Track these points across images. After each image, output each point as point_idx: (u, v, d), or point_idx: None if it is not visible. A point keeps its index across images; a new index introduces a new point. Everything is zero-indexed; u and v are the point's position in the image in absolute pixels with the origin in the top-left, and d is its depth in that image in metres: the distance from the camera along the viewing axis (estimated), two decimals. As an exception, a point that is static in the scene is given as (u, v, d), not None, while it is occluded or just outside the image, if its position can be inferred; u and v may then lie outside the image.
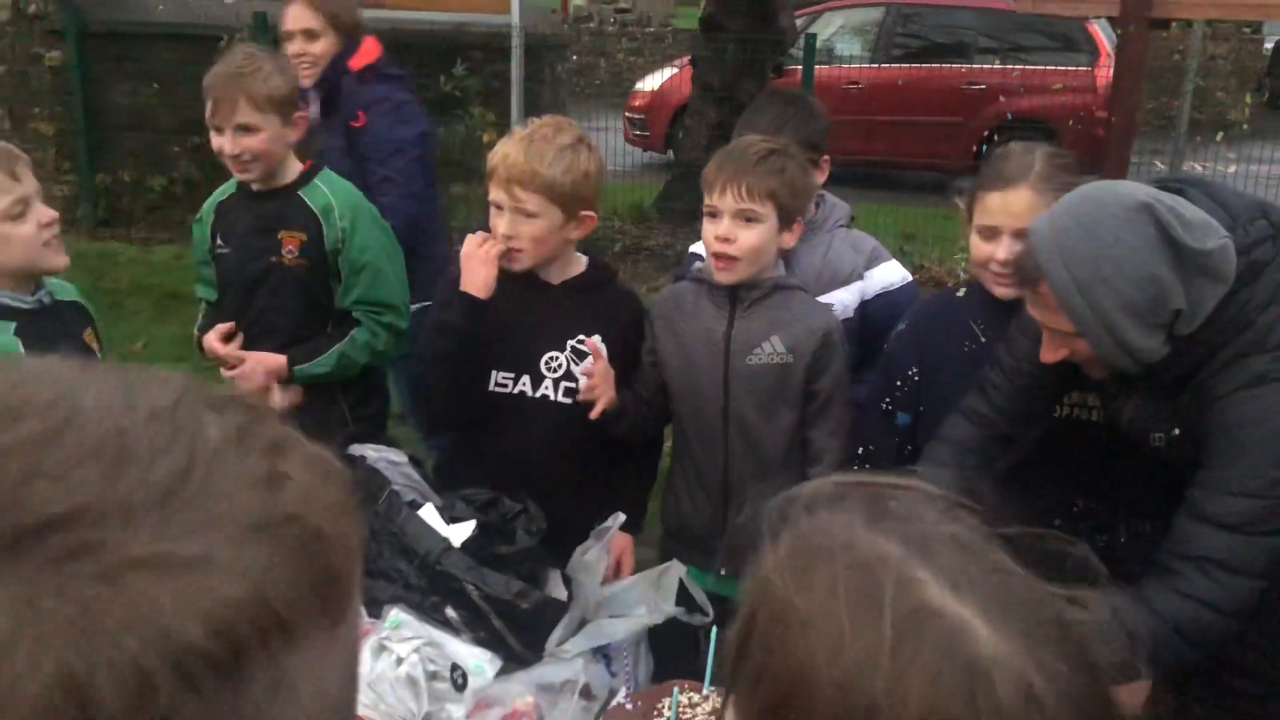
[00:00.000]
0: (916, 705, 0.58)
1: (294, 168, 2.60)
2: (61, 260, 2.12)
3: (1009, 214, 1.98)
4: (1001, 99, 9.15)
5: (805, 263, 2.46)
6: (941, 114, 9.31)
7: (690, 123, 7.83)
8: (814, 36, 7.84)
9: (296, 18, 3.18)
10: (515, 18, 6.60)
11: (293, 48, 3.17)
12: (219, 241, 2.63)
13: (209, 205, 2.68)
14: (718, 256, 2.16)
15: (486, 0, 6.69)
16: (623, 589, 2.01)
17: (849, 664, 0.59)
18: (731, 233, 2.12)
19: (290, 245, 2.54)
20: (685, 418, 2.30)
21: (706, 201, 2.17)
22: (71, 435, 0.40)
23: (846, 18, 10.67)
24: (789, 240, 2.18)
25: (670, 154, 9.99)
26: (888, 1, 10.40)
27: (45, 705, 0.36)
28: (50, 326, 2.11)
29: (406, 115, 3.24)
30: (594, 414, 2.16)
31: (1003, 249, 2.00)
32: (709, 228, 2.17)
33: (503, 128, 6.93)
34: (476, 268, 2.17)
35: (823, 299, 2.38)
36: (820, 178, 2.50)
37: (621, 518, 2.11)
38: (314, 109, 3.15)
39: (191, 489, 0.41)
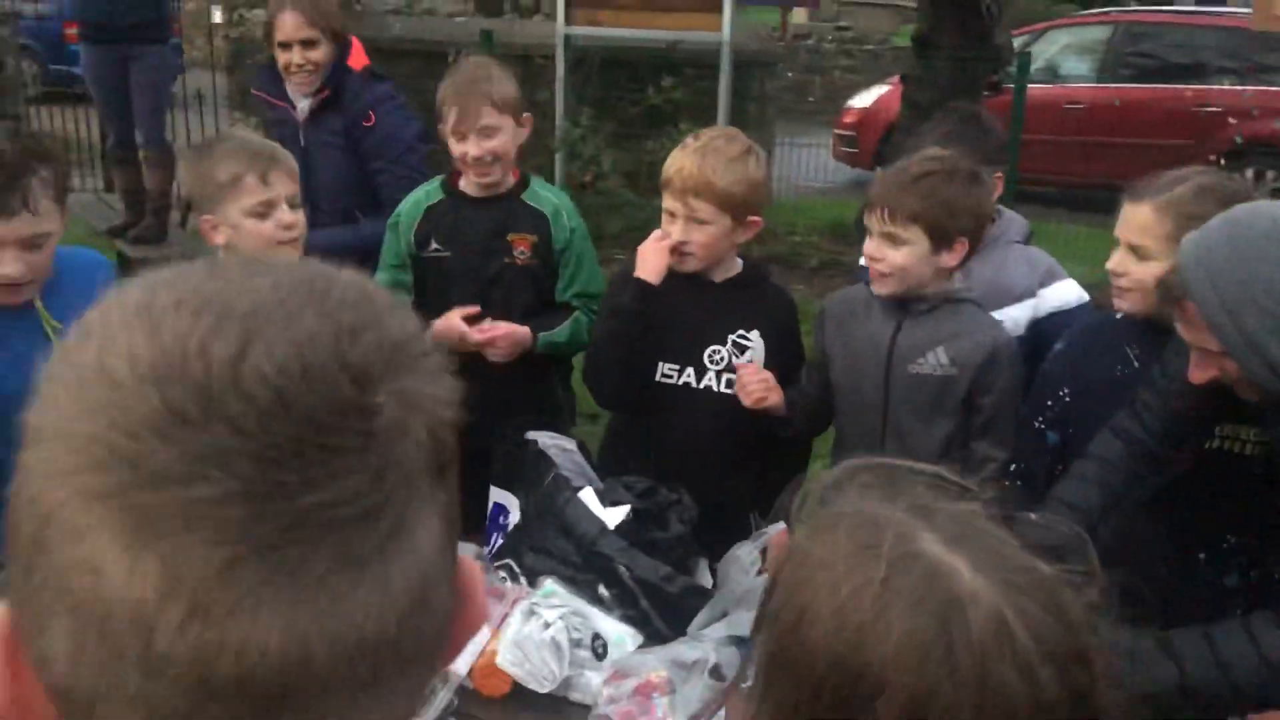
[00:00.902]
0: (898, 629, 0.65)
1: (509, 176, 2.75)
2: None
3: (1127, 226, 2.00)
4: (1233, 121, 8.61)
5: (976, 276, 2.46)
6: (1170, 137, 8.84)
7: (898, 140, 7.75)
8: (1028, 55, 7.64)
9: (295, 28, 3.22)
10: (725, 35, 6.74)
11: (292, 57, 3.22)
12: (434, 245, 2.74)
13: (412, 208, 2.79)
14: (872, 270, 2.23)
15: (701, 19, 6.85)
16: (764, 583, 2.08)
17: (844, 595, 0.68)
18: (879, 252, 2.18)
19: (522, 246, 2.70)
20: (846, 419, 2.37)
21: (864, 218, 2.23)
22: None
23: (1073, 36, 10.28)
24: (950, 260, 2.19)
25: (877, 171, 9.90)
26: (1116, 19, 9.96)
27: None
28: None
29: (408, 113, 3.42)
30: (750, 403, 2.29)
31: (1113, 259, 2.01)
32: (865, 242, 2.24)
33: (708, 142, 7.09)
34: (650, 257, 2.35)
35: (994, 314, 2.39)
36: (993, 195, 2.50)
37: (782, 526, 2.20)
38: (302, 108, 3.29)
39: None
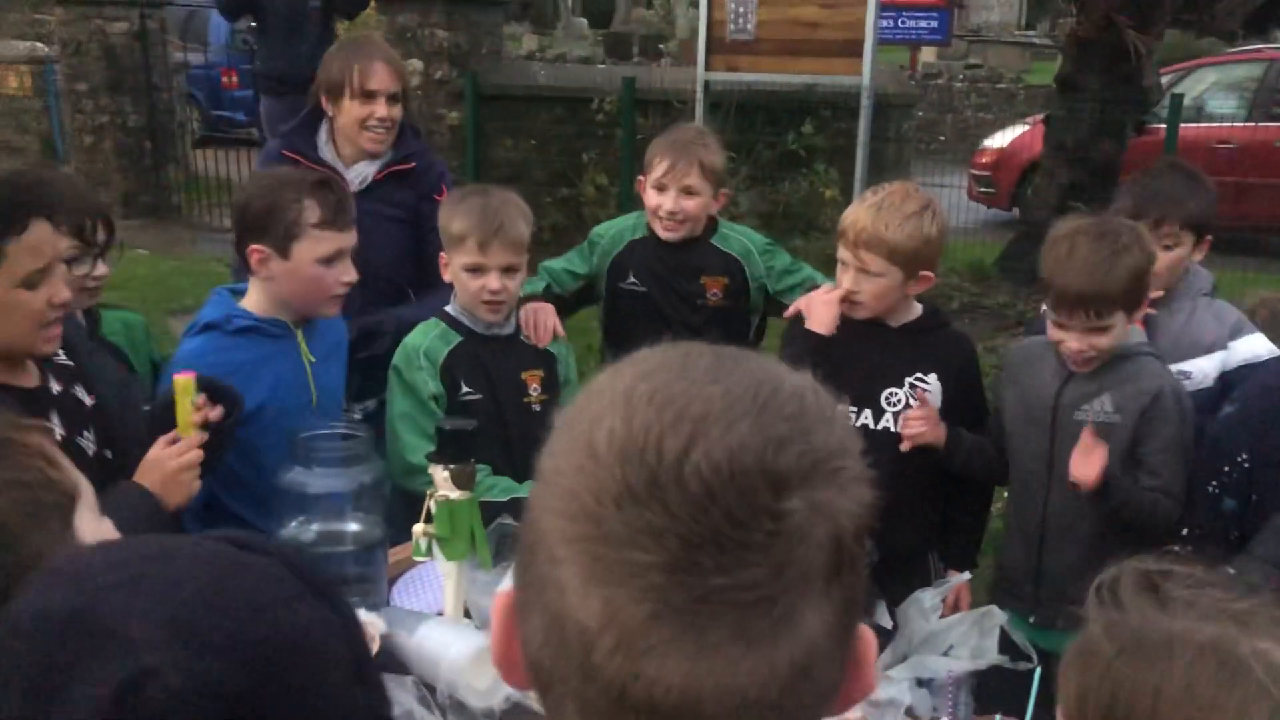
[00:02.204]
0: None
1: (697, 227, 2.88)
2: (491, 317, 2.52)
3: None
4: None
5: (1164, 329, 2.49)
6: (1327, 177, 8.52)
7: (1040, 182, 7.67)
8: (1180, 95, 7.47)
9: (389, 79, 2.94)
10: (866, 79, 6.78)
11: (376, 110, 2.90)
12: (633, 279, 2.90)
13: (614, 234, 2.96)
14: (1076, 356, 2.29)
15: (839, 63, 6.91)
16: (944, 626, 2.11)
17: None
18: (1083, 343, 2.24)
19: (715, 289, 2.86)
20: (1015, 465, 2.42)
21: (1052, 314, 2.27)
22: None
23: (1221, 74, 10.02)
24: (1131, 322, 2.25)
25: (1015, 212, 9.77)
26: (1270, 56, 9.66)
27: None
28: (481, 350, 2.54)
29: None
30: (905, 446, 2.35)
31: None
32: (1055, 333, 2.29)
33: (846, 185, 7.12)
34: (819, 309, 2.43)
35: (1181, 366, 2.41)
36: (1198, 256, 2.54)
37: (967, 576, 2.28)
38: (360, 175, 2.96)
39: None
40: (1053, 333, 2.29)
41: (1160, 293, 2.50)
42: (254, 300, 2.35)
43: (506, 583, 0.66)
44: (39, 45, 11.57)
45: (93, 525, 1.12)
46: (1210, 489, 2.19)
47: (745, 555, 0.55)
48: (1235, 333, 2.50)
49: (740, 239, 2.92)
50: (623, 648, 0.55)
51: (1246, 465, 2.13)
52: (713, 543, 0.54)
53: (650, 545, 0.54)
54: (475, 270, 2.45)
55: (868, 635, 0.64)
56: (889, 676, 1.90)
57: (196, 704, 0.68)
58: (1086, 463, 2.20)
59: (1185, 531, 2.22)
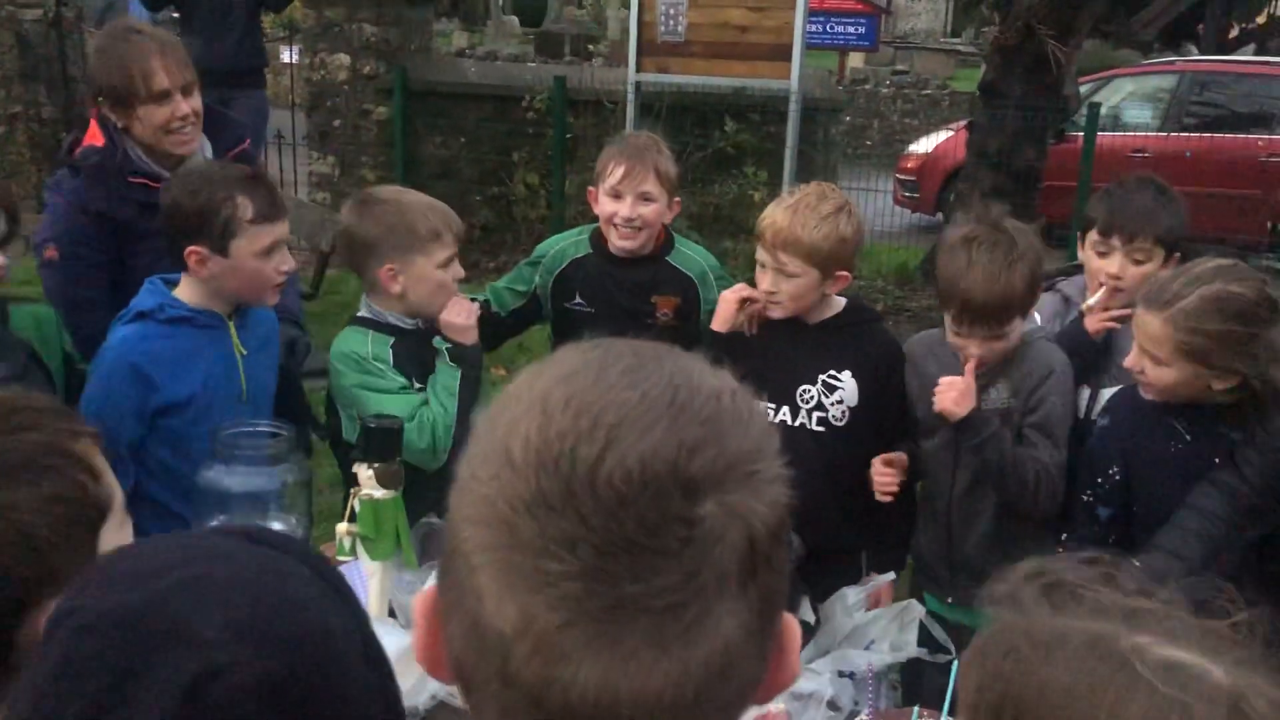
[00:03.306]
0: None
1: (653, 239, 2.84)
2: (446, 312, 2.49)
3: (1142, 333, 2.09)
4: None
5: (1127, 343, 2.52)
6: (1236, 187, 8.81)
7: (963, 187, 7.82)
8: (1098, 105, 7.68)
9: (173, 73, 2.67)
10: (794, 83, 6.86)
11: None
12: (579, 299, 2.83)
13: (555, 253, 2.89)
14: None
15: (768, 67, 6.98)
16: (866, 621, 2.14)
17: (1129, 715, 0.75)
18: (984, 350, 2.34)
19: (665, 308, 2.81)
20: (929, 455, 2.49)
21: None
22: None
23: (1136, 84, 10.30)
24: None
25: (939, 216, 9.95)
26: (1182, 69, 9.98)
27: None
28: (418, 347, 2.51)
29: None
30: (883, 496, 2.40)
31: (1132, 357, 2.14)
32: (955, 340, 2.37)
33: (774, 187, 7.19)
34: (720, 306, 2.53)
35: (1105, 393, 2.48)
36: (1165, 272, 2.57)
37: (891, 576, 2.34)
38: None
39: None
40: (953, 340, 2.35)
41: (1128, 312, 2.53)
42: (187, 290, 2.33)
43: (431, 581, 0.68)
44: (-52, 32, 11.18)
45: (115, 535, 1.12)
46: (1085, 498, 2.29)
47: (658, 562, 0.55)
48: None
49: (698, 260, 2.89)
50: (539, 654, 0.56)
51: (1117, 477, 2.22)
52: (625, 551, 0.55)
53: (564, 554, 0.55)
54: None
55: (791, 624, 0.65)
56: (812, 670, 1.93)
57: (261, 700, 0.73)
58: (952, 396, 2.29)
59: (1065, 537, 2.30)
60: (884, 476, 2.37)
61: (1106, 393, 2.43)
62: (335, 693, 0.78)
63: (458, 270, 2.52)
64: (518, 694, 0.57)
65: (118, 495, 1.14)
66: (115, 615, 0.75)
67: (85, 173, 2.68)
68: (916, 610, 2.14)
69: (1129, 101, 10.10)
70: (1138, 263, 2.47)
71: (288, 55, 10.05)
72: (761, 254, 2.43)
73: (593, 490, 0.55)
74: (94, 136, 2.72)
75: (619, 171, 2.74)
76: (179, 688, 0.72)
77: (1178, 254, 2.51)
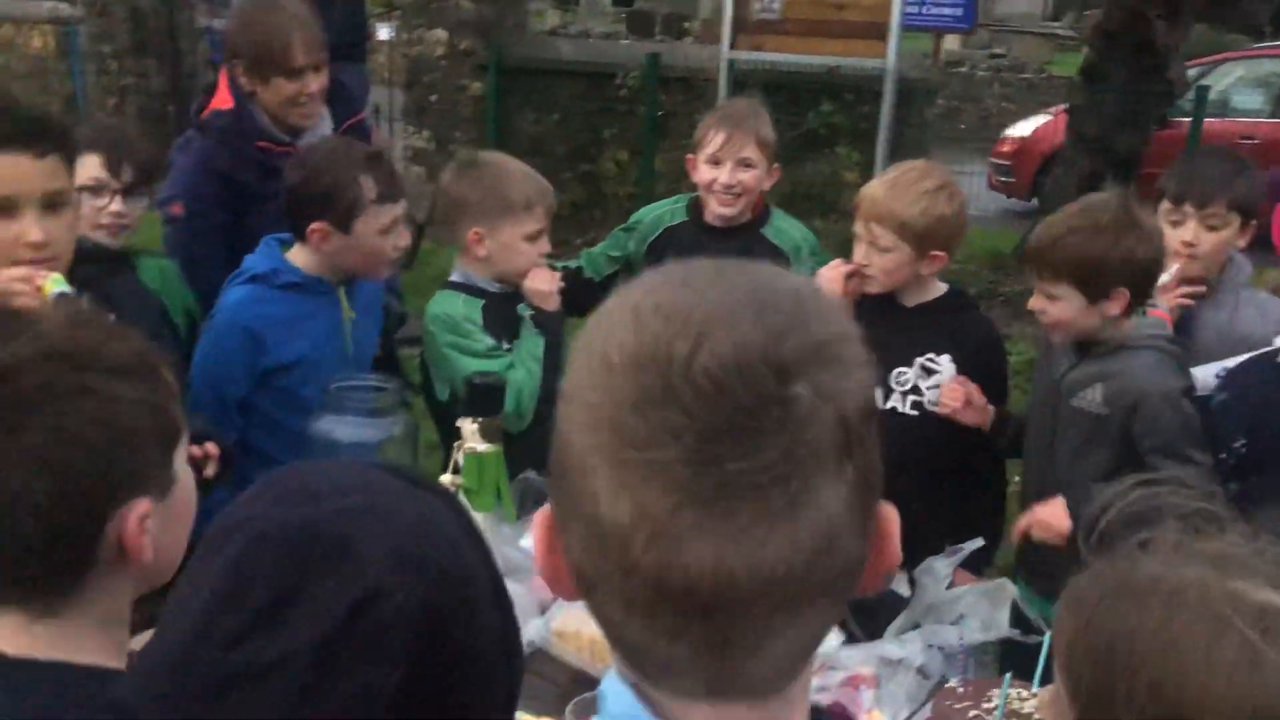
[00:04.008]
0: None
1: (749, 210, 2.85)
2: (529, 279, 2.57)
3: None
4: None
5: (1208, 323, 2.47)
6: (1351, 175, 8.47)
7: (1060, 172, 7.65)
8: (1206, 88, 7.45)
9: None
10: (890, 62, 6.78)
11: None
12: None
13: (652, 219, 2.91)
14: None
15: (863, 45, 6.90)
16: (955, 596, 2.13)
17: (1223, 667, 0.78)
18: (1039, 304, 2.27)
19: None
20: (1027, 447, 2.46)
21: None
22: None
23: (1247, 69, 9.96)
24: (1113, 308, 2.19)
25: (1034, 202, 9.76)
26: (1298, 52, 9.61)
27: None
28: (507, 310, 2.59)
29: None
30: (944, 411, 2.38)
31: None
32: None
33: (866, 168, 7.13)
34: (822, 282, 2.45)
35: (1228, 363, 2.35)
36: (1242, 242, 2.51)
37: (979, 542, 2.25)
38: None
39: None
40: (1032, 299, 2.31)
41: (1203, 288, 2.47)
42: (301, 256, 2.41)
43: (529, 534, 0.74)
44: (62, 5, 11.59)
45: (181, 467, 1.16)
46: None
47: (758, 441, 0.59)
48: None
49: (793, 234, 2.88)
50: (656, 541, 0.60)
51: (1243, 450, 2.16)
52: (726, 433, 0.59)
53: (669, 443, 0.59)
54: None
55: (889, 512, 0.69)
56: (903, 639, 1.95)
57: (418, 624, 0.78)
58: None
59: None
60: (954, 390, 2.36)
61: (1197, 372, 2.35)
62: (472, 628, 0.82)
63: (544, 245, 2.58)
64: (639, 582, 0.61)
65: (184, 428, 1.18)
66: (290, 529, 0.80)
67: (212, 134, 2.79)
68: (1009, 590, 2.13)
69: (1239, 86, 9.77)
70: (1212, 229, 2.41)
71: (383, 33, 10.22)
72: (857, 225, 2.42)
73: (690, 381, 0.59)
74: (223, 100, 2.83)
75: (719, 138, 2.75)
76: (344, 604, 0.77)
77: (1254, 221, 2.44)
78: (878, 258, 2.39)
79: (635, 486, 0.60)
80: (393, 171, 2.43)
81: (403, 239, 2.43)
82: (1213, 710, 0.79)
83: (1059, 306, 2.23)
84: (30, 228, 1.81)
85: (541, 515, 0.71)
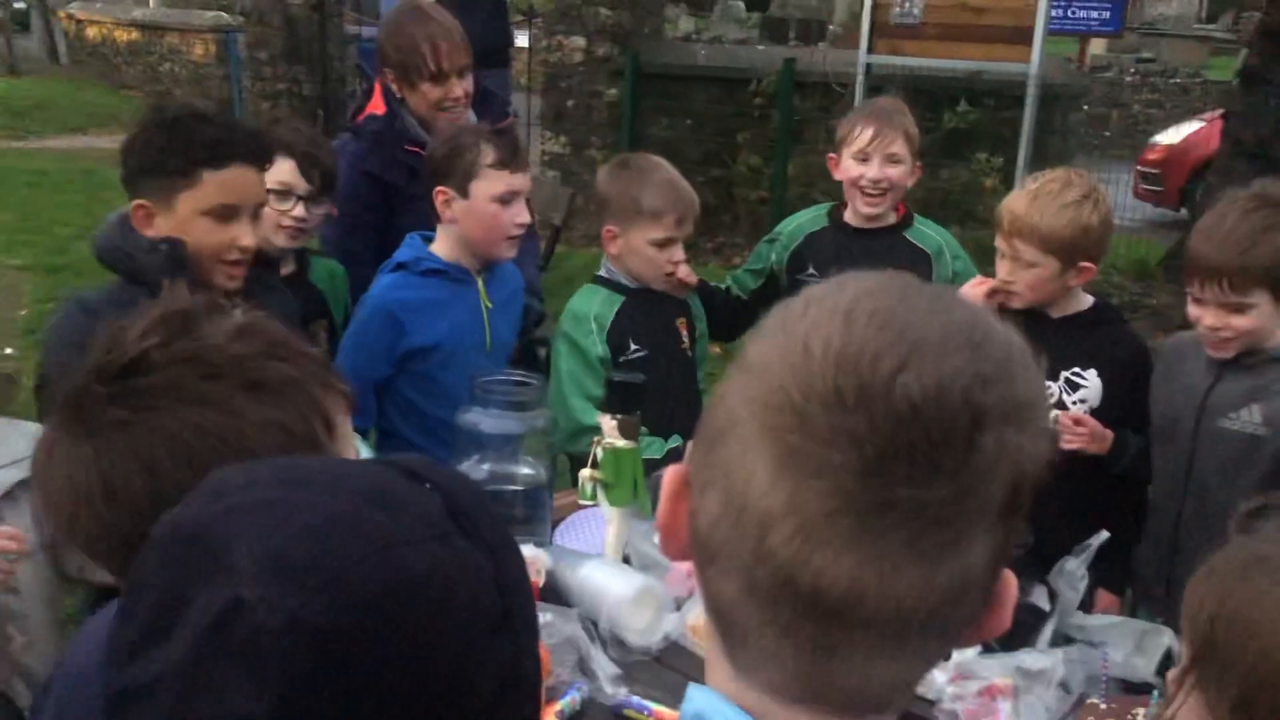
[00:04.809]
0: None
1: (892, 212, 2.85)
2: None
3: None
4: None
5: None
6: None
7: (1214, 180, 7.33)
8: (1378, 92, 7.02)
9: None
10: (1034, 66, 6.60)
11: (453, 90, 2.88)
12: (811, 270, 2.84)
13: (793, 228, 2.94)
14: (1211, 340, 2.15)
15: (1005, 49, 6.74)
16: (1104, 625, 2.04)
17: None
18: (1220, 321, 2.09)
19: None
20: (1158, 468, 2.33)
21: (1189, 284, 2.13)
22: None
23: None
24: None
25: (1183, 211, 9.36)
26: None
27: None
28: (647, 308, 2.66)
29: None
30: (1066, 444, 2.25)
31: None
32: (1193, 310, 2.15)
33: (1007, 174, 6.96)
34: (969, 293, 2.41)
35: None
36: None
37: (1104, 535, 2.14)
38: None
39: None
40: (1191, 310, 2.15)
41: None
42: (441, 246, 2.53)
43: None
44: (223, 15, 12.21)
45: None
46: None
47: (935, 475, 0.58)
48: None
49: (936, 237, 2.87)
50: (801, 536, 0.59)
51: None
52: (907, 457, 0.58)
53: (847, 448, 0.58)
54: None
55: (1010, 579, 0.68)
56: (1047, 650, 1.91)
57: (285, 642, 0.65)
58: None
59: None
60: (1072, 428, 2.27)
61: None
62: (410, 648, 0.68)
63: (676, 253, 2.62)
64: (769, 572, 0.61)
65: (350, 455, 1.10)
66: (173, 531, 0.72)
67: (365, 138, 2.93)
68: (1165, 638, 1.95)
69: None
70: None
71: (521, 40, 10.45)
72: (1000, 242, 2.36)
73: (887, 396, 0.58)
74: (376, 105, 2.97)
75: (867, 133, 2.75)
76: (209, 616, 0.66)
77: None
78: (1023, 273, 2.32)
79: (799, 477, 0.59)
80: (515, 144, 2.51)
81: (522, 215, 2.49)
82: None
83: (1248, 318, 2.07)
84: (244, 233, 1.95)
85: (675, 470, 0.70)
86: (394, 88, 2.93)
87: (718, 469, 0.63)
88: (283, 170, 2.40)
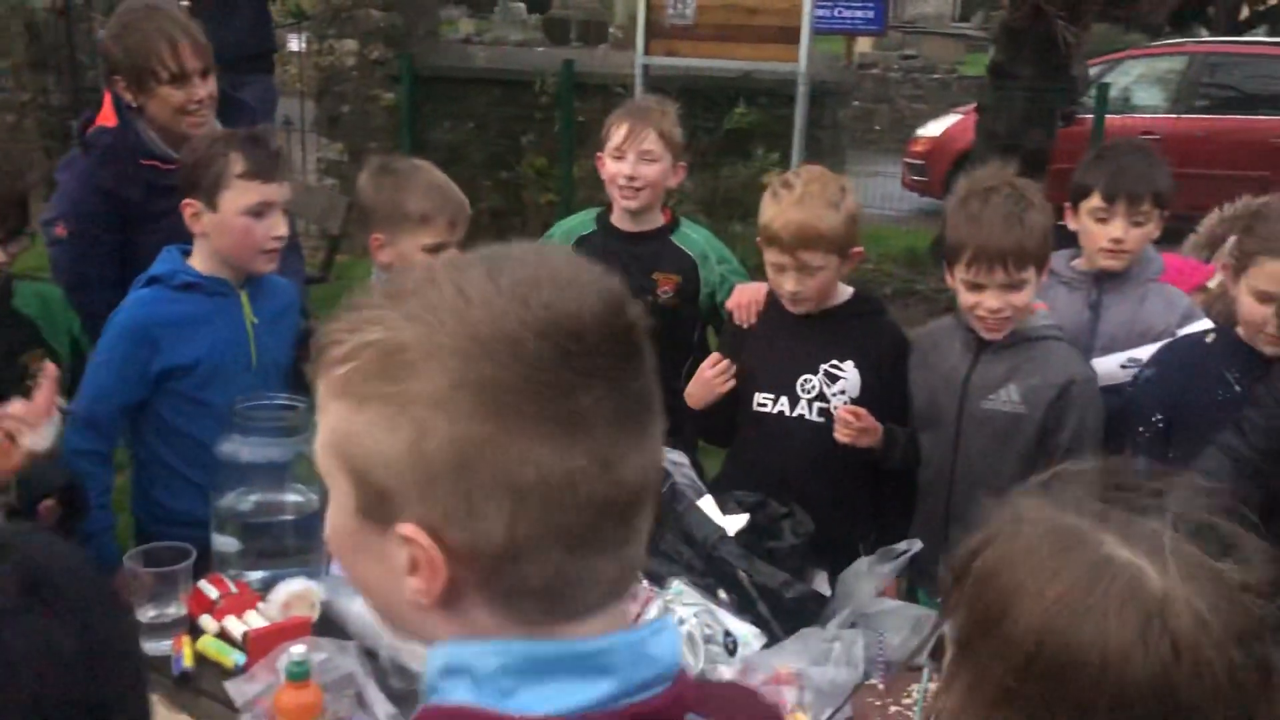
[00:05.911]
0: (1107, 628, 0.79)
1: (659, 215, 2.88)
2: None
3: (1270, 278, 2.03)
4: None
5: (1113, 313, 2.51)
6: (1246, 168, 8.78)
7: (972, 169, 7.81)
8: (1106, 85, 7.66)
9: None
10: (802, 66, 6.85)
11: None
12: None
13: (564, 233, 2.95)
14: (991, 322, 2.26)
15: (778, 49, 6.96)
16: (886, 611, 2.09)
17: (1053, 594, 0.82)
18: (1001, 301, 2.21)
19: (666, 286, 2.82)
20: (924, 450, 2.42)
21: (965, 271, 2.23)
22: None
23: (1147, 67, 10.26)
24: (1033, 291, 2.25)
25: (947, 200, 9.93)
26: (1193, 50, 9.93)
27: None
28: None
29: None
30: (840, 437, 2.32)
31: (1248, 307, 2.07)
32: (970, 296, 2.25)
33: (784, 169, 7.19)
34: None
35: (1132, 353, 2.43)
36: (1156, 232, 2.54)
37: (918, 545, 2.18)
38: None
39: None
40: (966, 298, 2.24)
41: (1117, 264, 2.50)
42: (198, 259, 2.37)
43: None
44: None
45: None
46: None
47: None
48: (1185, 319, 2.47)
49: (699, 241, 2.91)
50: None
51: (1160, 424, 2.21)
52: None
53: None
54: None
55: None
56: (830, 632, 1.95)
57: None
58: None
59: None
60: (847, 417, 2.30)
61: (1098, 362, 2.41)
62: None
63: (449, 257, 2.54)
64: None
65: None
66: None
67: (95, 152, 2.70)
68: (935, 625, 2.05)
69: (1139, 84, 10.07)
70: (1138, 225, 2.46)
71: (294, 44, 10.06)
72: (778, 256, 2.33)
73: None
74: (106, 117, 2.74)
75: (621, 131, 2.77)
76: None
77: (1167, 212, 2.50)
78: (811, 280, 2.34)
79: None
80: (268, 153, 2.34)
81: (278, 228, 2.35)
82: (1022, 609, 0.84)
83: (1024, 293, 2.20)
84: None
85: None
86: (127, 96, 2.70)
87: None
88: None
